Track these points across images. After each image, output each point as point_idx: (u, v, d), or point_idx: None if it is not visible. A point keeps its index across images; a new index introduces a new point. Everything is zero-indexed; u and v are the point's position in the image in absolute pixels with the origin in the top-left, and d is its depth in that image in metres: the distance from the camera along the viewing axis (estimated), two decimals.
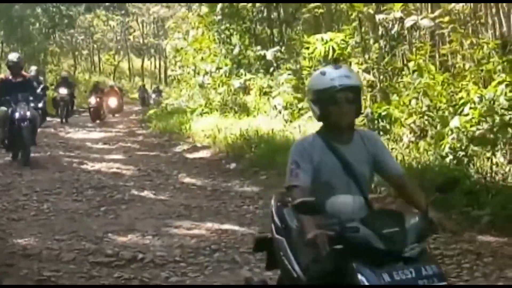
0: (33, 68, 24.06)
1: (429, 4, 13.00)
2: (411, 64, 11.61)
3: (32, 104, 13.30)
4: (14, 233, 7.68)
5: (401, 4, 12.68)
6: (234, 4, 21.50)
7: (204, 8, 23.82)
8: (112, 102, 33.73)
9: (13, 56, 13.94)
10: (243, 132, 14.63)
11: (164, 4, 44.44)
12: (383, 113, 11.30)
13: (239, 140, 14.55)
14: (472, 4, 11.89)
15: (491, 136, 8.79)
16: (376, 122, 11.13)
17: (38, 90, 19.61)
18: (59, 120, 25.04)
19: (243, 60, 21.66)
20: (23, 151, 12.91)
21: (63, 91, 25.39)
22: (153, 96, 45.15)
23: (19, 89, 13.15)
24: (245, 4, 21.37)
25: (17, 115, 12.83)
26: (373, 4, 13.83)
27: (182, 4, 30.04)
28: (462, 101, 9.73)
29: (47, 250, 6.90)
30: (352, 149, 3.96)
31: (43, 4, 36.99)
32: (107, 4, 43.14)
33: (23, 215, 8.81)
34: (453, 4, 11.56)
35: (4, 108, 13.07)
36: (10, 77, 13.37)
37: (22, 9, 35.14)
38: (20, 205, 9.40)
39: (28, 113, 12.91)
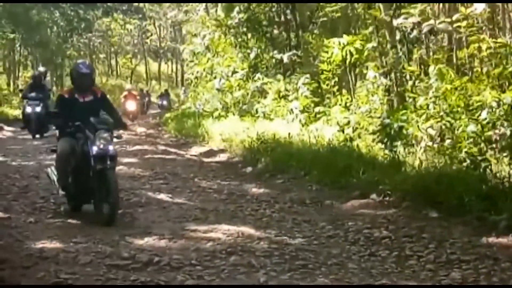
0: (41, 69, 23.57)
1: (447, 8, 12.98)
2: (431, 69, 11.56)
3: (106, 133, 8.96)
4: (31, 236, 7.71)
5: (419, 7, 12.65)
6: (251, 8, 21.54)
7: (221, 12, 23.90)
8: (130, 105, 33.31)
9: (82, 65, 9.64)
10: (260, 136, 14.63)
11: (182, 8, 44.60)
12: (400, 118, 11.26)
13: (255, 143, 14.56)
14: (490, 8, 11.85)
15: (509, 140, 8.74)
16: (392, 127, 11.08)
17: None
18: None
19: (260, 64, 21.69)
20: (108, 204, 8.56)
21: None
22: (159, 101, 44.38)
23: (89, 112, 9.10)
24: (261, 8, 21.40)
25: (94, 150, 8.69)
26: (391, 9, 13.81)
27: (200, 7, 30.07)
28: (479, 104, 9.70)
29: (64, 252, 6.91)
30: None
31: (61, 7, 37.17)
32: (124, 8, 43.28)
33: (40, 217, 8.85)
34: (471, 8, 11.52)
35: (68, 141, 9.10)
36: (76, 95, 9.29)
37: (40, 13, 35.33)
38: (38, 207, 9.45)
39: (110, 148, 8.80)
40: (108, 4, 40.77)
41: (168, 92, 47.14)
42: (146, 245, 7.33)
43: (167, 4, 54.12)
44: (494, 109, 9.11)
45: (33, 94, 20.68)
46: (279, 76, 19.94)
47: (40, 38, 35.89)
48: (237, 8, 21.70)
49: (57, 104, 9.60)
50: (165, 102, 43.08)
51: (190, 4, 31.78)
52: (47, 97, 21.13)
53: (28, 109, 20.60)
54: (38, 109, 20.17)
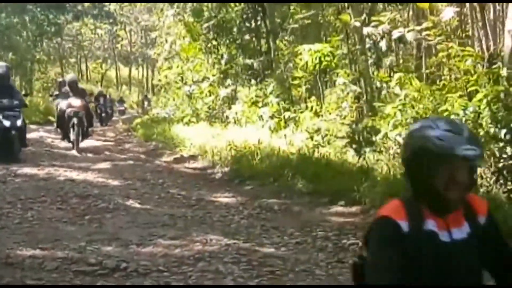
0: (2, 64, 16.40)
1: (416, 16, 13.09)
2: (395, 76, 11.67)
3: None
4: None
5: (389, 15, 12.73)
6: (221, 12, 21.56)
7: (191, 17, 23.87)
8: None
9: (444, 128, 2.88)
10: (230, 142, 14.63)
11: (152, 12, 44.49)
12: (369, 125, 11.33)
13: (225, 150, 14.55)
14: (458, 16, 11.97)
15: None
16: (361, 134, 11.15)
17: (16, 102, 14.86)
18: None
19: (230, 70, 21.71)
20: None
21: (76, 102, 17.58)
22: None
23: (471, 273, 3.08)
24: (231, 13, 21.42)
25: None
26: (360, 16, 13.90)
27: (170, 12, 30.03)
28: (446, 113, 9.77)
29: (30, 258, 6.86)
30: None
31: (30, 11, 36.87)
32: (95, 12, 43.04)
33: (7, 223, 8.76)
34: (439, 16, 11.62)
35: None
36: (432, 223, 2.97)
37: (9, 17, 35.02)
38: (4, 213, 9.35)
39: None
40: (78, 8, 40.51)
41: (123, 99, 49.38)
42: (113, 251, 7.29)
43: (138, 9, 54.01)
44: (460, 117, 9.18)
45: (4, 101, 14.84)
46: (250, 82, 19.98)
47: (9, 42, 35.53)
48: (206, 13, 21.71)
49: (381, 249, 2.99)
50: (122, 108, 45.81)
51: (160, 8, 31.61)
52: (21, 105, 15.51)
53: (6, 123, 14.73)
54: (19, 122, 14.97)
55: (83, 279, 6.27)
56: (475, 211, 3.09)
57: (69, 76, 21.77)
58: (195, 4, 22.91)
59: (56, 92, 21.48)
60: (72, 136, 17.45)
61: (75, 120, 17.25)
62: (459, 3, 11.92)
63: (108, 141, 22.68)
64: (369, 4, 14.70)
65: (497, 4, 12.60)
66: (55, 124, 20.29)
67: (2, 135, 14.67)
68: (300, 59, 15.60)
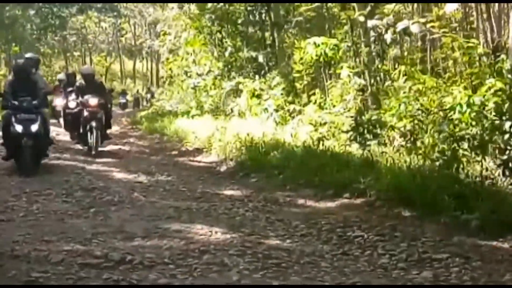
0: (28, 55, 15.89)
1: (421, 8, 13.06)
2: (401, 69, 11.64)
3: None
4: (2, 234, 7.65)
5: (393, 8, 12.71)
6: (226, 5, 21.56)
7: (195, 10, 23.87)
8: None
9: None
10: (234, 135, 14.63)
11: (157, 6, 44.50)
12: (373, 118, 11.29)
13: (229, 143, 14.55)
14: (463, 9, 11.95)
15: (481, 140, 8.81)
16: (366, 126, 11.13)
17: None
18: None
19: (235, 63, 21.71)
20: None
21: (93, 101, 15.26)
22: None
23: None
24: (236, 7, 21.42)
25: None
26: (365, 9, 13.87)
27: (175, 4, 30.05)
28: (450, 105, 9.76)
29: (36, 251, 6.86)
30: None
31: (35, 5, 36.88)
32: (99, 5, 43.05)
33: (12, 216, 8.77)
34: (444, 9, 11.60)
35: None
36: None
37: (14, 10, 35.04)
38: (9, 206, 9.36)
39: None
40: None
41: (125, 91, 50.47)
42: (118, 243, 7.30)
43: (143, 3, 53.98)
44: (465, 109, 9.16)
45: (22, 100, 12.51)
46: (253, 76, 19.96)
47: (13, 35, 35.53)
48: (210, 6, 21.70)
49: None
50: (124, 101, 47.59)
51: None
52: (43, 104, 13.29)
53: (18, 128, 12.28)
54: (34, 127, 12.39)
55: (89, 272, 6.26)
56: None
57: (85, 68, 19.26)
58: None
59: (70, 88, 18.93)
60: (90, 141, 15.30)
61: (93, 122, 15.13)
62: (465, 2, 11.92)
63: (112, 135, 22.67)
64: None
65: None
66: (61, 122, 19.42)
67: (14, 143, 12.39)
68: (300, 52, 15.60)
